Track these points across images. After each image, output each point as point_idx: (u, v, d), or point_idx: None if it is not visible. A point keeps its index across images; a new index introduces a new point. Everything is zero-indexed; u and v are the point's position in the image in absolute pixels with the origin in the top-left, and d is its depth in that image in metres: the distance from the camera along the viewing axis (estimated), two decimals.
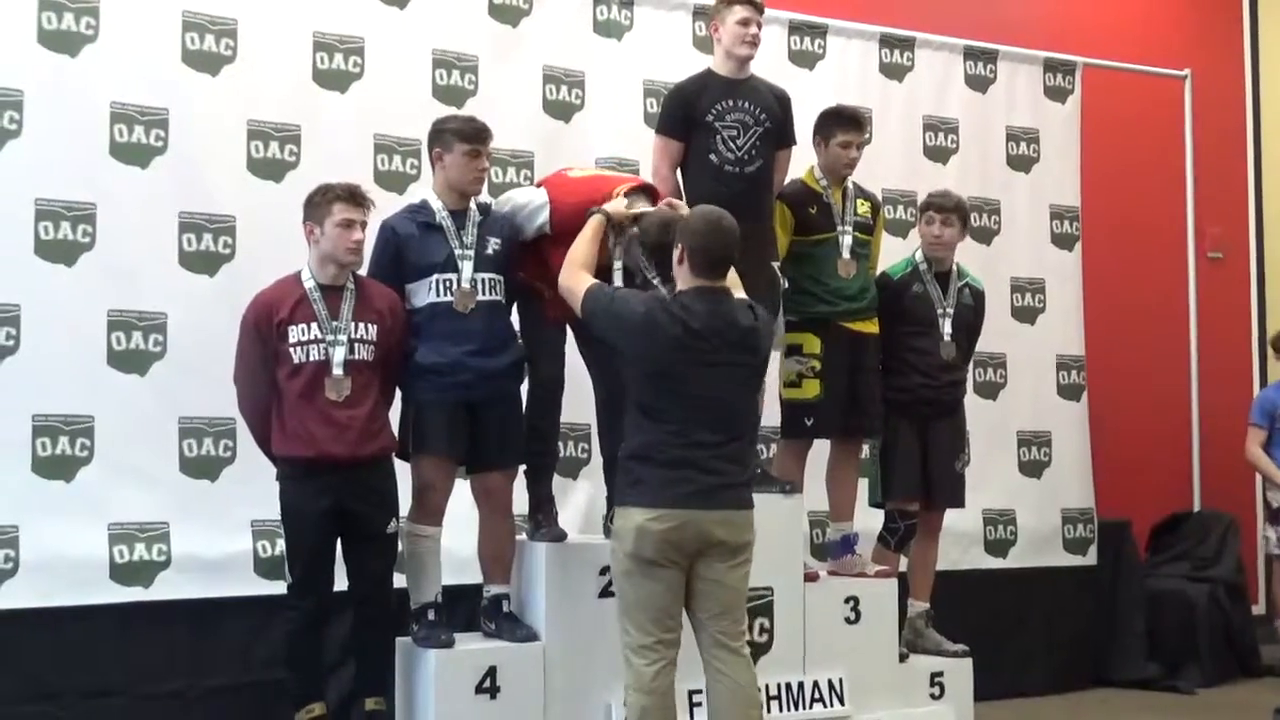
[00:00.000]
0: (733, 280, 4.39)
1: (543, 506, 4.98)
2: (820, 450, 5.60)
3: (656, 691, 4.13)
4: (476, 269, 4.71)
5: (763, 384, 4.65)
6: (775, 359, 5.43)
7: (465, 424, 4.70)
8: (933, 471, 5.59)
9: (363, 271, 4.75)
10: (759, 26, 5.20)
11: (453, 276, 4.69)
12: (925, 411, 5.56)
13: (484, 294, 4.72)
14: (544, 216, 4.81)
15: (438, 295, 4.68)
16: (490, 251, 4.75)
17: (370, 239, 4.75)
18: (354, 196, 4.62)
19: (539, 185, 5.07)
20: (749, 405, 4.35)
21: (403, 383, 4.76)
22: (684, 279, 4.25)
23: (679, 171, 5.22)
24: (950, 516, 5.86)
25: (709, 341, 4.16)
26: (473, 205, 4.81)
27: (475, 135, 4.76)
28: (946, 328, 5.59)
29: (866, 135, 5.59)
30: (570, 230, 4.66)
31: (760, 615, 5.04)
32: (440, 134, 4.80)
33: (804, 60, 6.64)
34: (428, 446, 4.70)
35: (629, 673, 4.17)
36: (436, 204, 4.76)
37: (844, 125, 5.48)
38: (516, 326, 4.93)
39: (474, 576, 4.97)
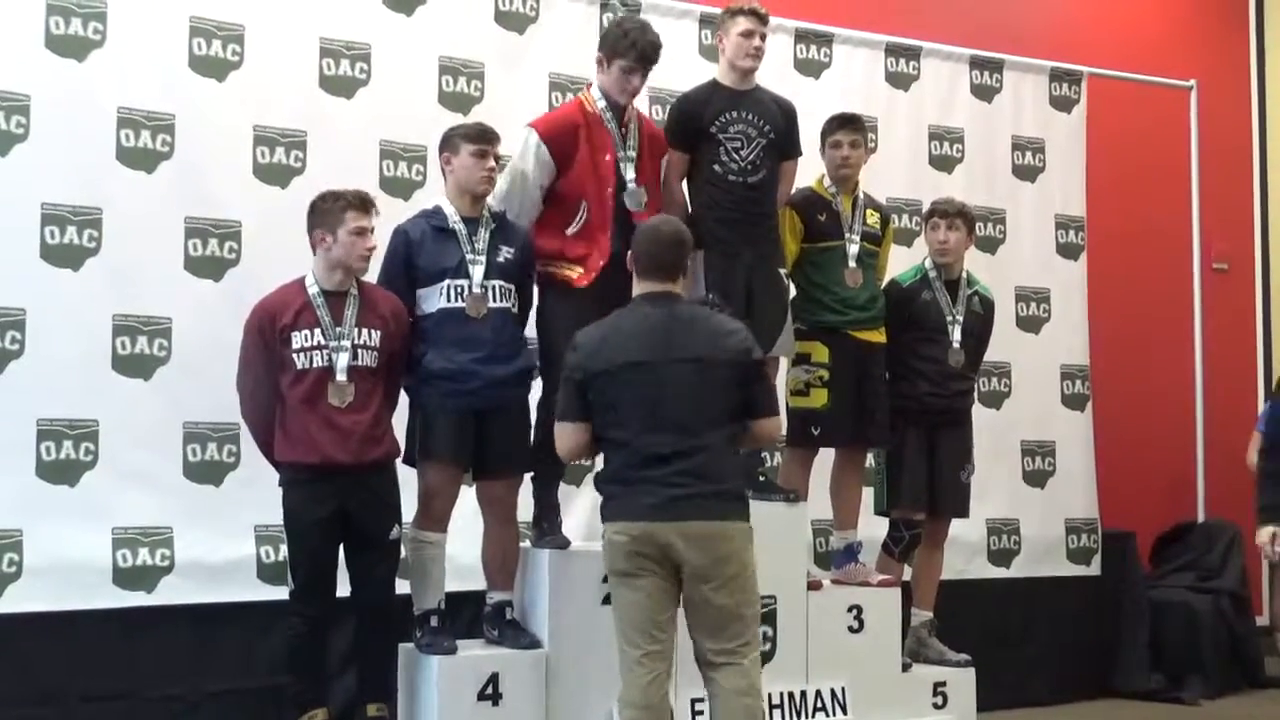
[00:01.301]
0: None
1: (547, 514, 4.98)
2: (825, 458, 5.59)
3: (648, 706, 4.10)
4: (487, 275, 4.72)
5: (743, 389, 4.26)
6: (784, 366, 5.44)
7: (473, 431, 4.71)
8: (938, 481, 5.59)
9: (370, 277, 4.76)
10: (763, 38, 5.21)
11: (464, 282, 4.70)
12: (933, 420, 5.55)
13: (495, 301, 4.73)
14: (534, 140, 4.87)
15: (448, 301, 4.69)
16: (502, 259, 4.77)
17: (381, 244, 4.77)
18: (364, 204, 4.65)
19: None
20: (711, 410, 4.14)
21: (410, 388, 4.77)
22: (636, 286, 4.29)
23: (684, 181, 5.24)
24: (954, 526, 5.86)
25: (658, 341, 4.13)
26: (486, 213, 4.82)
27: (481, 136, 4.78)
28: (956, 334, 5.59)
29: (863, 136, 5.56)
30: (564, 144, 4.81)
31: (763, 623, 5.02)
32: (449, 139, 4.83)
33: (810, 69, 6.64)
34: (435, 453, 4.70)
35: (622, 686, 4.16)
36: (449, 209, 4.78)
37: (834, 126, 5.51)
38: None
39: (477, 583, 4.98)
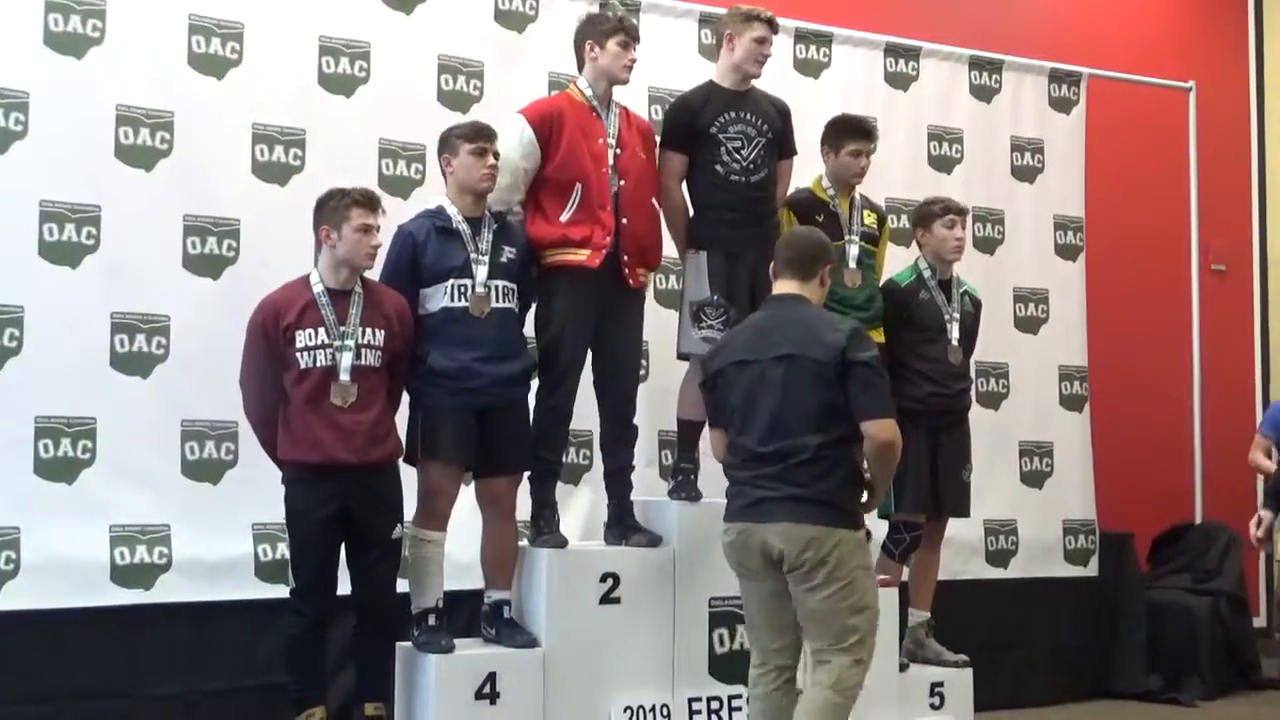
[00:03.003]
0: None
1: (545, 512, 4.97)
2: None
3: (756, 698, 4.21)
4: (491, 275, 4.74)
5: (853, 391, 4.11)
6: None
7: (475, 430, 4.71)
8: (940, 481, 5.57)
9: (373, 275, 4.76)
10: (771, 45, 5.23)
11: (468, 282, 4.71)
12: (936, 422, 5.53)
13: (497, 301, 4.75)
14: (519, 125, 4.91)
15: (453, 300, 4.70)
16: (505, 259, 4.79)
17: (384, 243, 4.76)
18: (371, 201, 4.65)
19: None
20: (805, 409, 4.07)
21: (413, 387, 4.77)
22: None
23: (684, 183, 5.24)
24: (952, 526, 5.86)
25: (760, 339, 4.18)
26: (488, 213, 4.83)
27: (478, 134, 4.81)
28: (955, 332, 5.59)
29: (874, 145, 5.58)
30: (549, 129, 4.87)
31: None
32: (447, 141, 4.85)
33: (809, 69, 6.64)
34: (438, 452, 4.70)
35: None
36: (452, 210, 4.79)
37: (854, 135, 5.48)
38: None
39: (474, 582, 4.98)
